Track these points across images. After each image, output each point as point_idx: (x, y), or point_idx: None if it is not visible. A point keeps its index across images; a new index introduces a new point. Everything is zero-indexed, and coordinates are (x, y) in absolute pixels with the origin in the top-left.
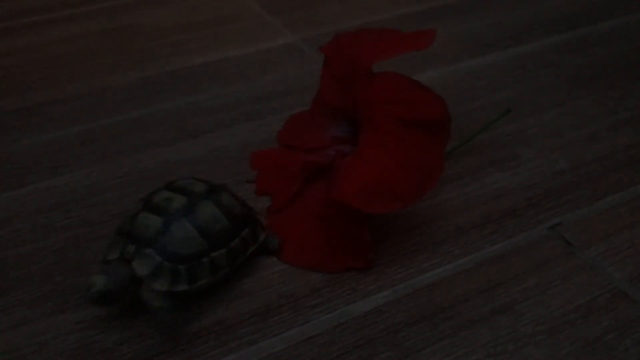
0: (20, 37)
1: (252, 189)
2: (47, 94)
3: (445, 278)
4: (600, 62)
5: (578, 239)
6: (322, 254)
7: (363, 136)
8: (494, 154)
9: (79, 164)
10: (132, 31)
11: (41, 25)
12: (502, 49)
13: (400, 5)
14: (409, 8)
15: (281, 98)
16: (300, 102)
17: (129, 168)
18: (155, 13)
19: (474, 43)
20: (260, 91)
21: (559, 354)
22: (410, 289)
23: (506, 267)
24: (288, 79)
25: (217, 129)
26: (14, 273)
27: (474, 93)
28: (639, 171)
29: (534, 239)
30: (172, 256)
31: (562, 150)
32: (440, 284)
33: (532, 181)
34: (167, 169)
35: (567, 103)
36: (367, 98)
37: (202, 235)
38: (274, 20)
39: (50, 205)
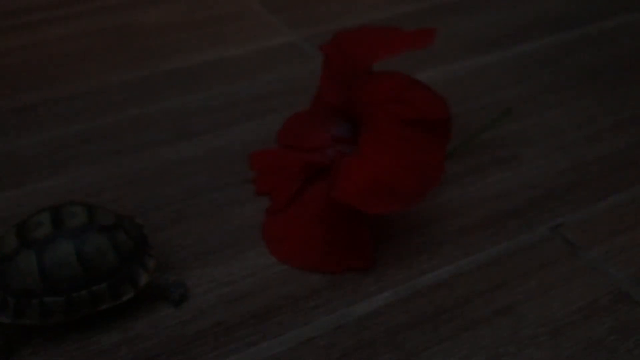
0: (18, 36)
1: (252, 189)
2: (46, 93)
3: (446, 279)
4: (602, 61)
5: (580, 239)
6: (322, 255)
7: (363, 136)
8: (495, 154)
9: (77, 163)
10: (130, 30)
11: (39, 24)
12: (503, 48)
13: (400, 3)
14: (410, 6)
15: (281, 97)
16: (300, 101)
17: (128, 168)
18: (154, 12)
19: (475, 42)
20: (260, 90)
21: (561, 356)
22: (411, 290)
23: (508, 268)
24: (288, 78)
25: (217, 128)
26: None
27: (475, 92)
28: None
29: (536, 240)
30: (5, 284)
31: (564, 150)
32: (442, 285)
33: (533, 181)
34: (166, 168)
35: (568, 102)
36: (367, 97)
37: (41, 275)
38: (274, 19)
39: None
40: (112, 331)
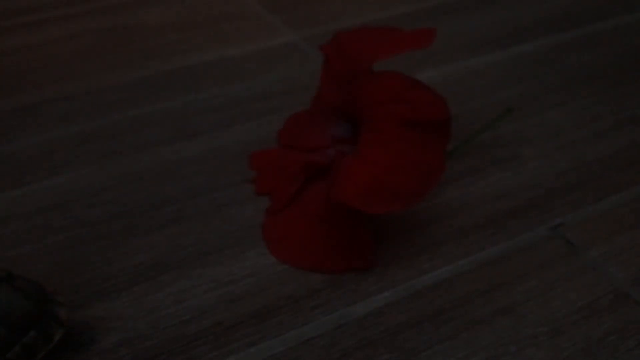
0: (17, 36)
1: (252, 189)
2: (45, 93)
3: (446, 279)
4: (603, 60)
5: (580, 239)
6: (322, 255)
7: (363, 136)
8: (495, 154)
9: (77, 163)
10: (130, 30)
11: (38, 24)
12: (503, 48)
13: (400, 3)
14: (410, 6)
15: (281, 97)
16: (300, 101)
17: (127, 168)
18: (153, 12)
19: (475, 42)
20: (260, 90)
21: (561, 356)
22: (411, 290)
23: (508, 268)
24: (288, 78)
25: (216, 128)
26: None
27: (475, 92)
28: None
29: (536, 240)
30: None
31: (564, 150)
32: (441, 285)
33: (533, 181)
34: (166, 169)
35: (568, 102)
36: (367, 97)
37: None
38: (274, 19)
39: (49, 206)
40: (112, 331)
